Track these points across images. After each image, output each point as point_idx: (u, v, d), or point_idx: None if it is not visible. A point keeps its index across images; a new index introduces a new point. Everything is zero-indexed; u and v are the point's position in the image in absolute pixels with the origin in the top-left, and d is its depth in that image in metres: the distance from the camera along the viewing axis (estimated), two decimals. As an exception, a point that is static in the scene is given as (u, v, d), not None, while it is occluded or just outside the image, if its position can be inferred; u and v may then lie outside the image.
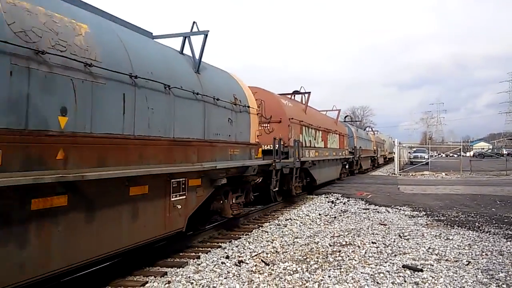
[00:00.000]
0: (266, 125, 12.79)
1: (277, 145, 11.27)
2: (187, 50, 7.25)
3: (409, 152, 49.73)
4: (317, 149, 16.03)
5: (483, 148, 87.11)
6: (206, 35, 6.98)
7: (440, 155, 56.77)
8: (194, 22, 7.21)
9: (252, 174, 8.68)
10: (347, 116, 36.09)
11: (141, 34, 6.51)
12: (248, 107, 9.06)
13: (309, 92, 16.47)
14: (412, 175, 28.52)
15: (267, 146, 11.92)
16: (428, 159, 37.44)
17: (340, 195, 15.00)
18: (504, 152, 58.57)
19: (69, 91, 4.22)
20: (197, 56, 7.15)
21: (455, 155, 51.62)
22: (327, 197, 14.62)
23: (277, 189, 11.12)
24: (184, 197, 6.37)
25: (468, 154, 62.34)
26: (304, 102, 16.42)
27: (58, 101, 4.09)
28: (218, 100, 7.54)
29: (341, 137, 20.85)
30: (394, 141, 39.27)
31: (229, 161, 7.88)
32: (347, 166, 23.51)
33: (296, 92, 16.76)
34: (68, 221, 4.23)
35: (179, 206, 6.21)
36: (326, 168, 17.59)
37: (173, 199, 6.07)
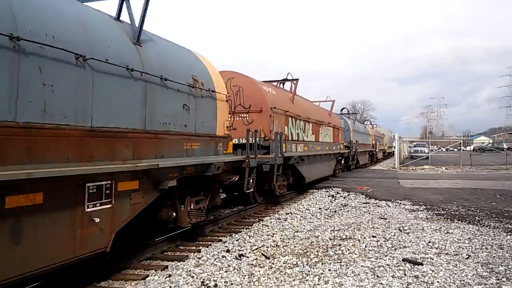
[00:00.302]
0: (244, 115, 11.28)
1: (251, 138, 9.59)
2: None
3: (409, 146, 49.72)
4: (307, 143, 14.53)
5: (483, 143, 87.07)
6: None
7: (440, 150, 56.76)
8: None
9: (216, 173, 7.00)
10: (344, 108, 33.40)
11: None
12: (214, 91, 7.42)
13: (297, 79, 14.47)
14: (412, 169, 28.53)
15: (245, 139, 10.03)
16: (428, 153, 37.41)
17: (340, 189, 15.01)
18: (504, 146, 58.62)
19: None
20: (137, 24, 5.60)
21: (455, 150, 51.62)
22: (327, 191, 14.63)
23: (252, 190, 9.35)
24: (109, 206, 4.77)
25: (468, 148, 62.32)
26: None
27: None
28: (168, 80, 5.94)
29: (335, 130, 19.55)
30: (394, 135, 39.19)
31: (184, 158, 6.28)
32: (342, 162, 22.42)
33: (284, 80, 14.86)
34: None
35: (98, 220, 4.57)
36: (318, 164, 15.82)
37: (89, 209, 4.48)
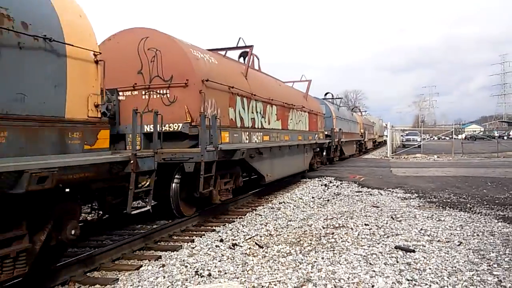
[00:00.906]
0: (164, 91, 7.93)
1: (145, 125, 7.10)
2: None
3: (402, 135, 49.95)
4: (268, 132, 11.18)
5: (475, 131, 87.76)
6: None
7: (432, 138, 57.10)
8: None
9: (32, 189, 3.76)
10: (328, 93, 27.29)
11: None
12: (60, 42, 4.37)
13: (251, 46, 11.04)
14: (404, 158, 28.69)
15: (168, 125, 7.73)
16: (420, 142, 37.62)
17: (333, 178, 15.07)
18: (496, 135, 59.11)
19: None
20: None
21: (447, 138, 51.96)
22: (320, 181, 14.67)
23: (149, 208, 5.90)
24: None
25: (460, 136, 62.76)
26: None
27: None
28: None
29: (312, 116, 16.12)
30: (387, 124, 39.21)
31: None
32: (324, 153, 19.80)
33: (236, 48, 11.39)
34: None
35: None
36: (286, 157, 12.59)
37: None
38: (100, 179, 5.09)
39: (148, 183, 5.75)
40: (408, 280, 4.65)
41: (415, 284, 4.54)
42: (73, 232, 4.75)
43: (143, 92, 8.08)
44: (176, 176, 7.93)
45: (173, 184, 7.87)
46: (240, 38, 11.32)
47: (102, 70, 5.07)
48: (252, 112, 10.27)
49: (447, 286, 4.48)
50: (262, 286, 4.61)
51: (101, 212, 6.21)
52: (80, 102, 4.72)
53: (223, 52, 10.91)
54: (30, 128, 4.01)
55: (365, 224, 7.52)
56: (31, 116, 4.03)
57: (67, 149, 4.46)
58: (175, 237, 7.25)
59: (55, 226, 4.55)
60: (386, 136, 41.96)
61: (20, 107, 3.94)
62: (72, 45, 4.57)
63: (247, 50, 11.26)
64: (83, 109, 4.75)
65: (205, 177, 7.47)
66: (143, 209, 5.96)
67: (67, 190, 4.78)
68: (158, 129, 6.63)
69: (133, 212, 5.73)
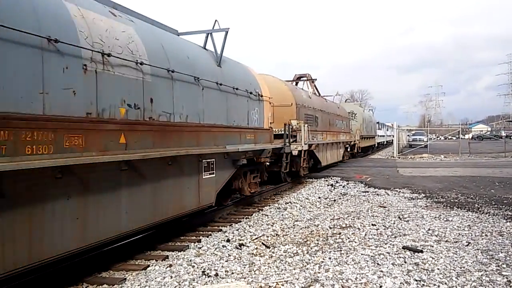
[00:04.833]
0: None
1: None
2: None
3: (408, 135, 49.74)
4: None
5: (482, 131, 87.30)
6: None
7: (439, 138, 56.81)
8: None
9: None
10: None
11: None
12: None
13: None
14: (411, 158, 28.56)
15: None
16: (427, 142, 37.45)
17: (339, 178, 15.03)
18: (503, 134, 58.73)
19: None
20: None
21: (454, 138, 51.68)
22: (326, 181, 14.64)
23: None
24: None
25: (466, 136, 62.43)
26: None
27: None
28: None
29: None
30: (393, 124, 38.95)
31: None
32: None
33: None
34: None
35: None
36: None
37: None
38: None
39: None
40: (416, 280, 4.62)
41: (423, 285, 4.51)
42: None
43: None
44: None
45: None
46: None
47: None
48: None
49: (456, 287, 4.45)
50: (269, 286, 4.60)
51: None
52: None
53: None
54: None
55: (372, 224, 7.49)
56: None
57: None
58: (182, 237, 7.26)
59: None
60: (382, 136, 41.60)
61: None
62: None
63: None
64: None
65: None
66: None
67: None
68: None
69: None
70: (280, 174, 13.34)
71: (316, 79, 18.35)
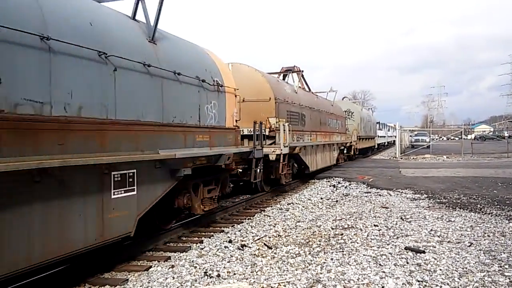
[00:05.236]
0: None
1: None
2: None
3: (410, 136, 49.67)
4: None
5: (484, 131, 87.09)
6: None
7: (441, 138, 56.71)
8: None
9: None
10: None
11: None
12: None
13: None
14: (413, 158, 28.52)
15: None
16: (429, 142, 37.38)
17: (341, 179, 15.02)
18: (506, 135, 58.55)
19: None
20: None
21: (456, 138, 51.58)
22: (328, 181, 14.63)
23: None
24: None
25: (469, 137, 62.31)
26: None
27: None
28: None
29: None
30: (395, 125, 38.85)
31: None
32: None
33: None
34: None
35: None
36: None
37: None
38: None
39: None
40: (418, 281, 4.62)
41: (425, 285, 4.51)
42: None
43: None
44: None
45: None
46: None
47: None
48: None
49: (458, 287, 4.45)
50: (271, 287, 4.61)
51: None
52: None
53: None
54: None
55: (375, 225, 7.48)
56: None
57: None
58: (184, 238, 7.27)
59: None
60: (383, 137, 41.37)
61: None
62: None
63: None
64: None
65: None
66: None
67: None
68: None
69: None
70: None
71: (303, 71, 15.74)
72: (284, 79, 15.77)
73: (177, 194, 6.79)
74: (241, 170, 9.60)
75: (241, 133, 9.92)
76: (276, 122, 11.46)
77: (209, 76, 7.48)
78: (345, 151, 22.19)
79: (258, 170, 9.72)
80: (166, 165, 5.97)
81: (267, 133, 11.28)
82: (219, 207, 9.17)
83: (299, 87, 15.13)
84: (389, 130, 48.51)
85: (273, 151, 10.94)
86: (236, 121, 8.53)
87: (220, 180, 8.15)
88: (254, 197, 11.34)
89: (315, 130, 15.36)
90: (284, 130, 11.36)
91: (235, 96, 8.60)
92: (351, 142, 23.11)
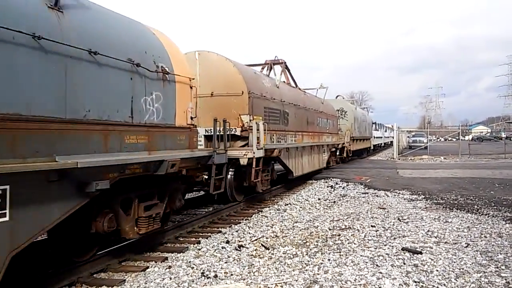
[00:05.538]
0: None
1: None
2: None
3: (408, 137, 49.71)
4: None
5: (482, 132, 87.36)
6: None
7: (439, 139, 56.83)
8: None
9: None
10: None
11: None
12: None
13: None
14: (411, 159, 28.55)
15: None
16: (427, 143, 37.43)
17: (339, 179, 15.02)
18: (503, 136, 58.72)
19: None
20: None
21: (454, 139, 51.69)
22: (326, 182, 14.64)
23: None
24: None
25: (466, 138, 62.47)
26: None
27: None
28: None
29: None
30: (393, 125, 38.90)
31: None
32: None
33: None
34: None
35: None
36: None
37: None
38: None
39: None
40: (415, 282, 4.63)
41: (422, 286, 4.52)
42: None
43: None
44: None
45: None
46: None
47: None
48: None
49: (455, 288, 4.46)
50: (269, 288, 4.61)
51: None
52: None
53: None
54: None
55: (372, 226, 7.49)
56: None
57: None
58: (181, 239, 7.26)
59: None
60: (379, 137, 41.34)
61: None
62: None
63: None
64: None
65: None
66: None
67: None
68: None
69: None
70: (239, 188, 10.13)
71: (285, 61, 13.93)
72: (270, 71, 13.90)
73: (95, 214, 5.18)
74: (206, 177, 7.89)
75: (206, 134, 9.30)
76: (250, 120, 9.68)
77: (150, 60, 5.77)
78: (337, 153, 20.92)
79: (229, 176, 8.80)
80: (69, 178, 4.25)
81: (238, 133, 9.64)
82: (173, 225, 7.66)
83: (284, 82, 13.50)
84: (386, 131, 48.44)
85: (244, 155, 9.29)
86: (192, 118, 6.79)
87: (167, 193, 6.37)
88: (220, 209, 9.44)
89: (300, 130, 13.73)
90: (258, 130, 9.61)
91: (191, 87, 6.89)
92: (343, 144, 21.57)
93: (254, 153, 9.36)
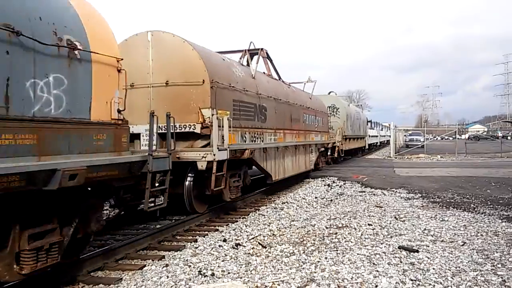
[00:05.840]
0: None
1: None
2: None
3: (405, 135, 49.83)
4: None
5: (478, 131, 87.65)
6: None
7: (435, 138, 56.97)
8: None
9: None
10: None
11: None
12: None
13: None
14: (407, 158, 28.64)
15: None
16: (423, 142, 37.54)
17: (336, 178, 15.06)
18: (499, 135, 58.95)
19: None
20: None
21: (451, 138, 51.84)
22: (323, 181, 14.66)
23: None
24: None
25: (463, 136, 62.67)
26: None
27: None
28: None
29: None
30: (390, 124, 38.96)
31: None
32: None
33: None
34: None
35: None
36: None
37: None
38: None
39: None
40: (411, 280, 4.64)
41: (418, 284, 4.53)
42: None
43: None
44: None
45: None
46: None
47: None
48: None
49: (451, 286, 4.48)
50: (266, 286, 4.61)
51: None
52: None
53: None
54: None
55: (369, 224, 7.51)
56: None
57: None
58: (178, 237, 7.26)
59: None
60: (374, 136, 41.36)
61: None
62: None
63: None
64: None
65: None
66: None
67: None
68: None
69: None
70: (203, 195, 8.29)
71: (266, 50, 11.80)
72: (250, 59, 11.61)
73: None
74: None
75: (160, 131, 7.34)
76: (213, 115, 7.84)
77: (45, 30, 4.11)
78: (328, 153, 19.40)
79: (187, 183, 7.53)
80: None
81: (198, 131, 7.86)
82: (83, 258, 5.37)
83: (264, 73, 11.72)
84: (382, 130, 48.31)
85: (202, 157, 7.53)
86: (120, 111, 5.15)
87: (77, 213, 4.68)
88: (166, 227, 7.45)
89: (282, 127, 11.92)
90: (221, 126, 7.93)
91: (118, 70, 5.19)
92: (334, 143, 20.04)
93: (214, 155, 7.56)
